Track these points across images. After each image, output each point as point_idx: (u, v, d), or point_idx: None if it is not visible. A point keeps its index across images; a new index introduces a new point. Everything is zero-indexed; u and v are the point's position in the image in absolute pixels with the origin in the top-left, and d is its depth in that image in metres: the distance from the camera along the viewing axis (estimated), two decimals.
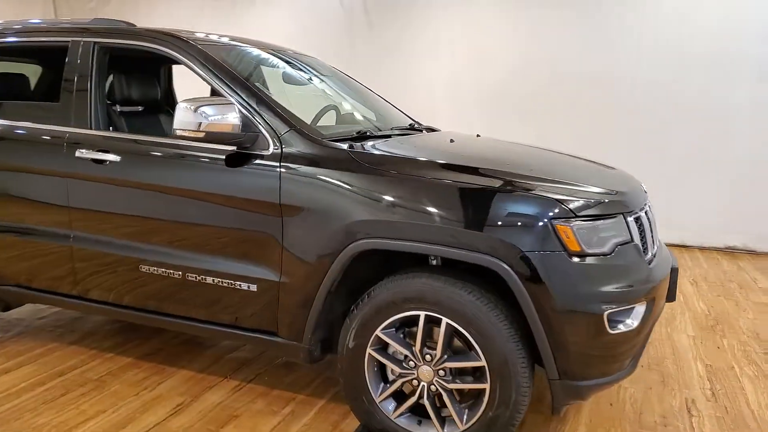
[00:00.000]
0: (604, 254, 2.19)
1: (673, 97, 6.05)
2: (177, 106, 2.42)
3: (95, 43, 2.92)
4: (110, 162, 2.75)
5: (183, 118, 2.39)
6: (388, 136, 2.90)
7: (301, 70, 3.44)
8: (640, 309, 2.27)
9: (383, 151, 2.53)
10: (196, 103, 2.40)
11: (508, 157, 2.84)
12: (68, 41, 2.97)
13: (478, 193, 2.22)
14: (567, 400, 2.26)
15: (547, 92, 6.50)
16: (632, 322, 2.25)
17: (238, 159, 2.52)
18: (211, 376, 3.10)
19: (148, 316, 2.86)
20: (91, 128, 2.85)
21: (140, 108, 3.52)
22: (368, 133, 2.79)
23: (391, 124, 3.36)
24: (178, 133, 2.42)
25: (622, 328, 2.21)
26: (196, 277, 2.63)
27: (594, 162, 2.97)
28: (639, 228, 2.37)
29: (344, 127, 3.18)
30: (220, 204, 2.55)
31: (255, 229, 2.50)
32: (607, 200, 2.30)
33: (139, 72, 3.48)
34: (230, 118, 2.43)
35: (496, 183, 2.25)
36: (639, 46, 6.11)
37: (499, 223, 2.15)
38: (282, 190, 2.42)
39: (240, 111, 2.49)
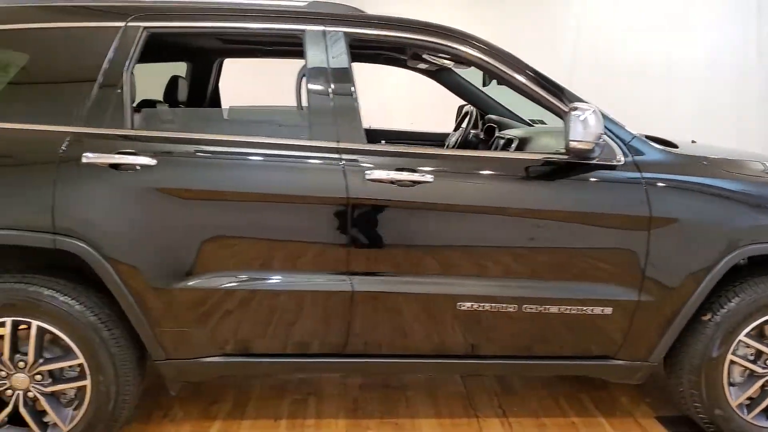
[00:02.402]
0: None
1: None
2: (570, 115, 2.10)
3: (345, 33, 2.31)
4: (422, 183, 2.22)
5: (579, 129, 2.09)
6: None
7: None
8: None
9: (715, 155, 2.53)
10: (582, 111, 2.11)
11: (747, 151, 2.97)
12: (302, 30, 2.29)
13: None
14: None
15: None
16: None
17: (566, 170, 2.29)
18: (462, 420, 2.71)
19: (464, 362, 2.44)
20: (363, 142, 2.26)
21: None
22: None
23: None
24: (573, 145, 2.11)
25: None
26: (536, 308, 2.29)
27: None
28: None
29: None
30: (566, 222, 2.28)
31: (612, 246, 2.29)
32: None
33: None
34: (599, 126, 2.17)
35: None
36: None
37: None
38: (651, 202, 2.26)
39: None
